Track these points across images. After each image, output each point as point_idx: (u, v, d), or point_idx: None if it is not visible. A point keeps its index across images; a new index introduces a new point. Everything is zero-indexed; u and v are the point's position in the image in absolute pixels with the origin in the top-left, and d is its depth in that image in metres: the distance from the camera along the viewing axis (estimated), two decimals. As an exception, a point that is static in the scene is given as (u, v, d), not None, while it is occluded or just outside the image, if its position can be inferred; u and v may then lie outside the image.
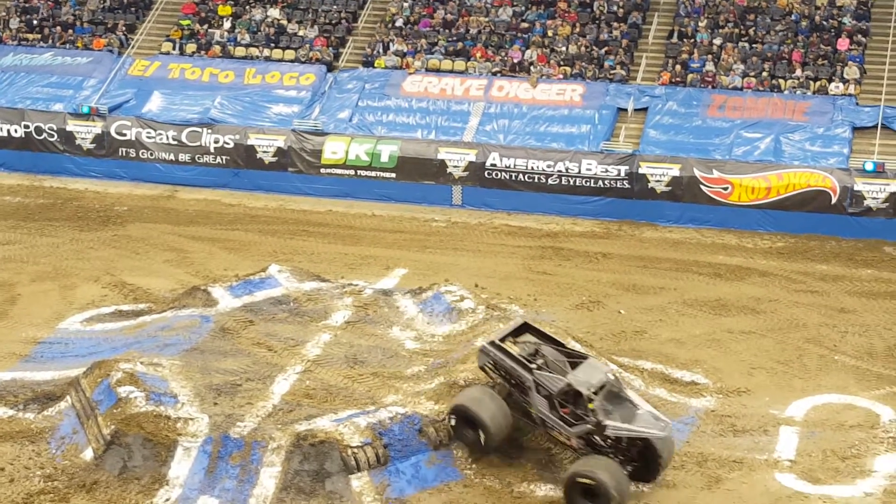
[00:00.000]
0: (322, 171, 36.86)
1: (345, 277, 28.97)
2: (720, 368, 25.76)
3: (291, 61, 39.90)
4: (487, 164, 35.77)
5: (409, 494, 20.97)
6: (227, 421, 21.60)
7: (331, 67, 39.57)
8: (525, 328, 22.46)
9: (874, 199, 33.17)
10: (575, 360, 21.61)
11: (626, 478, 20.20)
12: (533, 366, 21.27)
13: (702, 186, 34.27)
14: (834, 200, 33.38)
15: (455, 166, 36.00)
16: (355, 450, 20.97)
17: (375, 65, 39.31)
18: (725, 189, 34.14)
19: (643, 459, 20.84)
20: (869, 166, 33.29)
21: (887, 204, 33.06)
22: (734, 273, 31.29)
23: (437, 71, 38.71)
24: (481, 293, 27.42)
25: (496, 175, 35.74)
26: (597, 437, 20.61)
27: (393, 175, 36.37)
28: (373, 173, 36.49)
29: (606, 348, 25.72)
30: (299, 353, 24.09)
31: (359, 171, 36.61)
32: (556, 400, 20.79)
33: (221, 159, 37.64)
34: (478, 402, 21.20)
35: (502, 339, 21.95)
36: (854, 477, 21.75)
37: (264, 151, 37.28)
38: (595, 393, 20.63)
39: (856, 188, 33.24)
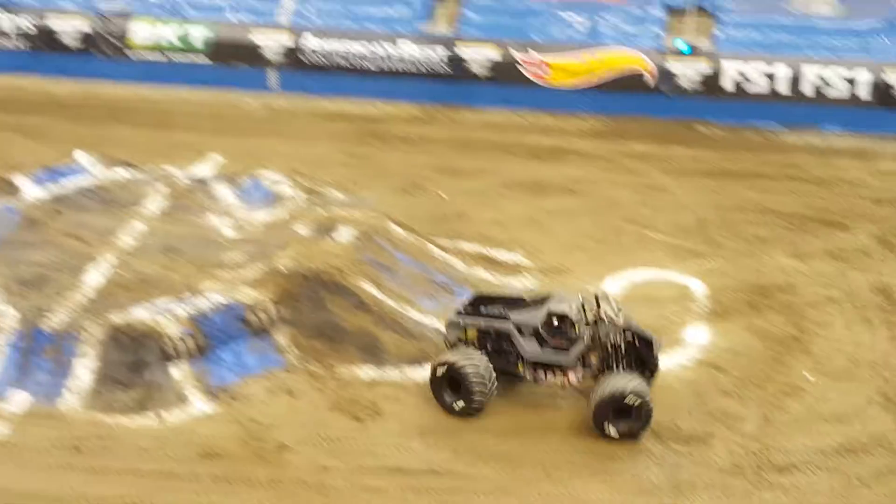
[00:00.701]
0: (130, 54, 35.65)
1: (158, 165, 28.20)
2: (540, 248, 25.98)
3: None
4: (303, 47, 35.10)
5: (230, 382, 20.76)
6: (38, 314, 21.00)
7: (138, -52, 38.22)
8: (480, 301, 21.37)
9: (687, 78, 33.57)
10: (542, 301, 21.00)
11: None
12: (509, 314, 20.65)
13: (520, 68, 34.22)
14: (649, 81, 33.68)
15: (270, 49, 35.23)
16: (174, 339, 20.62)
17: (185, -56, 38.10)
18: (543, 70, 34.16)
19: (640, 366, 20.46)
20: (683, 47, 33.65)
21: (700, 83, 33.51)
22: (552, 154, 31.47)
23: (250, -49, 37.68)
24: (300, 179, 27.01)
25: (313, 58, 35.10)
26: (593, 357, 20.32)
27: (205, 59, 35.40)
28: (184, 57, 35.44)
29: (428, 231, 25.67)
30: (112, 244, 23.45)
31: (169, 55, 35.54)
32: (543, 332, 20.31)
33: (20, 42, 36.05)
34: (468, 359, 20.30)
35: (458, 311, 21.03)
36: (668, 348, 22.25)
37: (67, 34, 35.81)
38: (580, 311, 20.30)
39: (669, 68, 33.58)
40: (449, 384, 20.28)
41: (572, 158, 31.23)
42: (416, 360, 21.65)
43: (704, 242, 26.51)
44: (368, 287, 22.45)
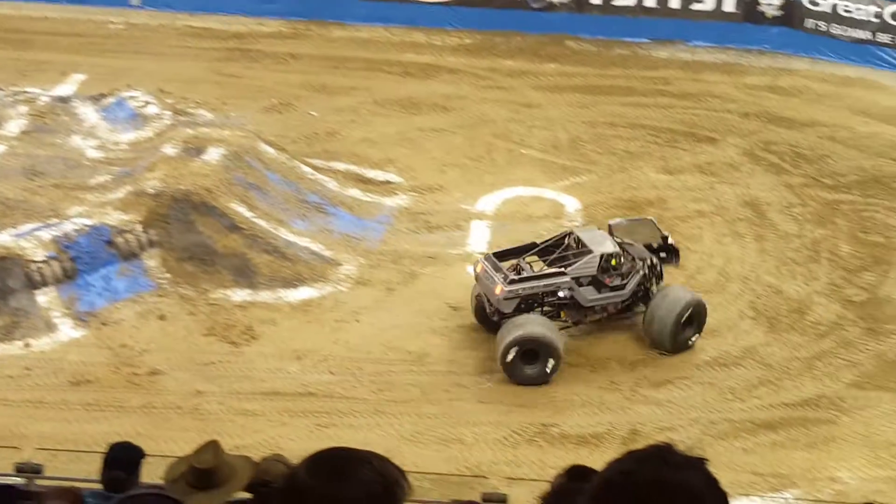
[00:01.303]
0: (-13, -27, 34.43)
1: (17, 85, 27.29)
2: (413, 167, 25.81)
3: None
4: (167, -38, 34.19)
5: (99, 307, 20.34)
6: None
7: None
8: (493, 257, 20.52)
9: (557, -6, 33.49)
10: (557, 243, 20.74)
11: None
12: (561, 268, 20.15)
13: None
14: (519, -4, 33.53)
15: (131, -35, 34.26)
16: (39, 264, 20.10)
17: None
18: (412, -14, 33.76)
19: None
20: (551, -39, 33.50)
21: (570, -1, 33.46)
22: (423, 71, 31.17)
23: None
24: (167, 98, 26.37)
25: (177, -26, 34.22)
26: (645, 284, 20.47)
27: (65, -24, 34.28)
28: (43, -26, 34.31)
29: (299, 151, 25.33)
30: (-29, 167, 22.76)
31: (28, -27, 34.35)
32: (599, 277, 20.01)
33: None
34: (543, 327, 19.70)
35: (510, 280, 19.96)
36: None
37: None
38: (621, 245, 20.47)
39: (540, -17, 33.45)
40: (523, 357, 19.47)
41: (444, 75, 30.97)
42: (290, 282, 21.44)
43: (577, 158, 26.57)
44: (239, 208, 22.10)
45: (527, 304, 19.96)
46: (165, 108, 25.31)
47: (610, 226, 21.17)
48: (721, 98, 29.49)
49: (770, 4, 32.48)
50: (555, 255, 20.52)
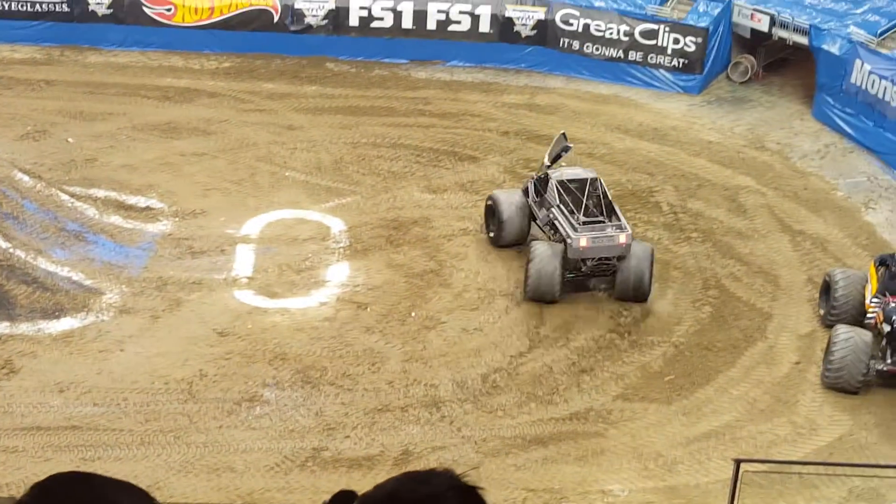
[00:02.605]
0: None
1: None
2: (175, 192, 25.50)
3: None
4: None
5: None
6: None
7: None
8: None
9: (314, 16, 33.57)
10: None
11: None
12: None
13: (144, 8, 33.29)
14: (276, 19, 33.49)
15: None
16: None
17: None
18: (168, 10, 33.35)
19: None
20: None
21: (326, 21, 33.57)
22: (183, 95, 30.86)
23: None
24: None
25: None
26: None
27: None
28: None
29: (57, 179, 24.75)
30: None
31: None
32: None
33: None
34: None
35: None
36: (309, 288, 22.40)
37: None
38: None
39: (296, 6, 33.47)
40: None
41: (204, 99, 30.72)
42: (51, 313, 20.92)
43: (340, 180, 26.68)
44: (-5, 238, 21.46)
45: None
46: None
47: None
48: (481, 117, 30.06)
49: (524, 25, 33.28)
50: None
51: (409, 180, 26.81)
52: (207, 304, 21.70)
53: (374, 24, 33.62)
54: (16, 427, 18.48)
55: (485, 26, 33.56)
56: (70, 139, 27.69)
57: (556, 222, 22.82)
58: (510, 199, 23.63)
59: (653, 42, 32.30)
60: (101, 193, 24.91)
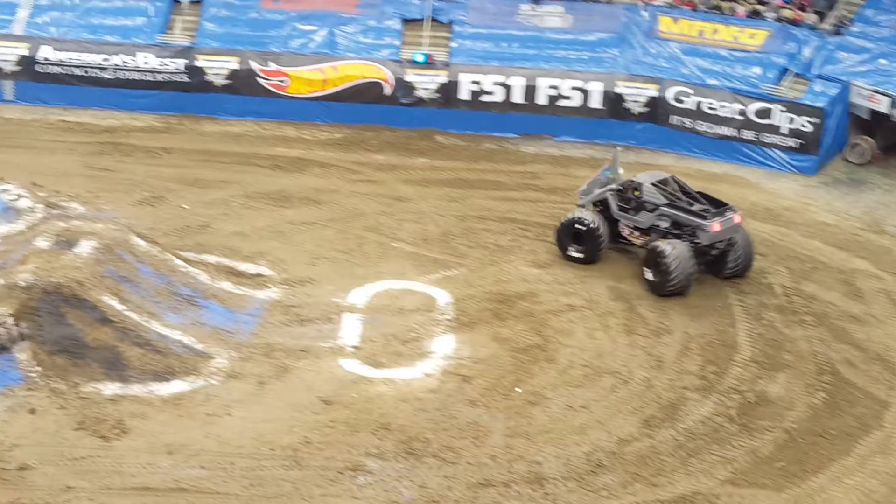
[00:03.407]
0: None
1: None
2: (284, 259, 25.90)
3: None
4: (39, 57, 34.08)
5: (-32, 402, 19.99)
6: None
7: None
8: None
9: (425, 89, 34.06)
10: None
11: None
12: None
13: (259, 79, 34.05)
14: (387, 91, 34.02)
15: (5, 60, 34.07)
16: None
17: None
18: (283, 81, 34.09)
19: None
20: (419, 58, 34.09)
21: (437, 94, 34.04)
22: (294, 165, 31.43)
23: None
24: (39, 191, 26.11)
25: (49, 69, 34.13)
26: None
27: (-63, 68, 34.00)
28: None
29: (171, 244, 25.27)
30: None
31: None
32: None
33: None
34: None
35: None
36: (414, 359, 22.53)
37: None
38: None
39: (407, 79, 33.99)
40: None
41: (314, 169, 31.26)
42: (162, 375, 21.30)
43: (447, 252, 26.90)
44: (111, 301, 21.92)
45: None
46: (38, 202, 25.02)
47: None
48: (588, 192, 30.05)
49: (636, 101, 33.43)
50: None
51: (516, 254, 26.92)
52: (313, 372, 21.93)
53: (485, 98, 34.03)
54: (125, 487, 18.79)
55: (595, 102, 33.80)
56: (185, 206, 28.31)
57: (677, 218, 25.42)
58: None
59: (767, 121, 32.25)
60: (213, 259, 25.38)
